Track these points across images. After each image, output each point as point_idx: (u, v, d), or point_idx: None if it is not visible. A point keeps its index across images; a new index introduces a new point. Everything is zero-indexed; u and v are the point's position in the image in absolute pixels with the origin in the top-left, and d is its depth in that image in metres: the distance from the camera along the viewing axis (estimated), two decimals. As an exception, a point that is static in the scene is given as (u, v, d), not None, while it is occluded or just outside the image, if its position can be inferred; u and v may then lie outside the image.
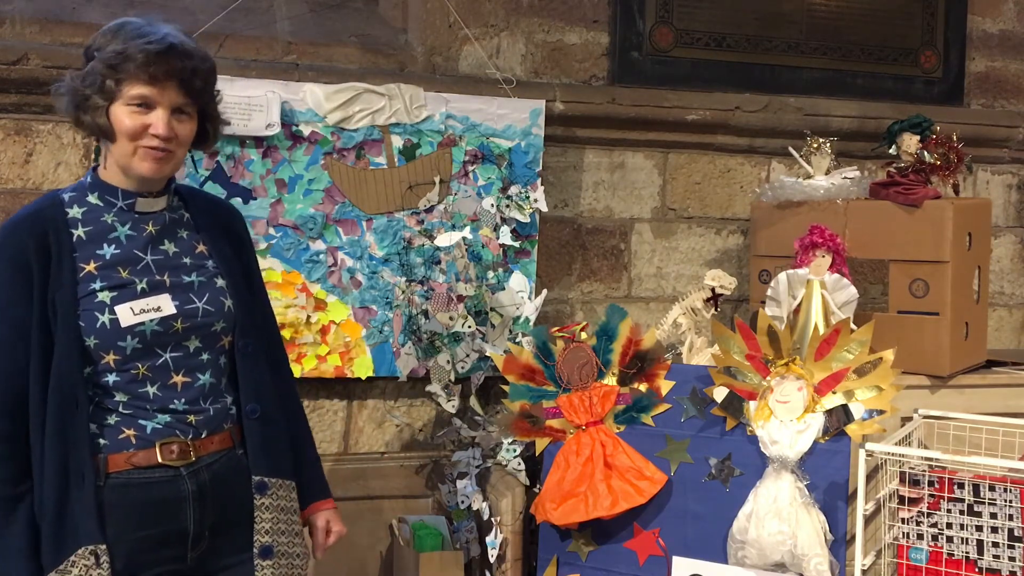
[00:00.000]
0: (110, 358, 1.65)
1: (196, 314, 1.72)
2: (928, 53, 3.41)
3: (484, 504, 2.65)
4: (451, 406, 2.76)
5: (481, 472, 2.71)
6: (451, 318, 2.74)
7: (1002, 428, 2.41)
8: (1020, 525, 2.04)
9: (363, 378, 2.81)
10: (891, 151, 2.76)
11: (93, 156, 2.70)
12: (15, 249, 1.64)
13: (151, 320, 1.67)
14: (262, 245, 2.69)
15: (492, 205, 2.85)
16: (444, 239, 2.79)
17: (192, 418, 1.71)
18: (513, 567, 2.59)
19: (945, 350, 2.60)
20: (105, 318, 1.64)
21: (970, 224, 2.69)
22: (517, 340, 2.73)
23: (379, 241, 2.80)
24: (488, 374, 2.79)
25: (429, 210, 2.83)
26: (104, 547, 1.62)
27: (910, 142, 2.73)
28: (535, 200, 2.89)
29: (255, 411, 1.79)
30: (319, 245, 2.75)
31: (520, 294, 2.86)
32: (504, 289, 2.84)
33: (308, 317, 2.74)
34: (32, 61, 2.56)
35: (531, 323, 2.82)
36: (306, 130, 2.71)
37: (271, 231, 2.70)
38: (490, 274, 2.85)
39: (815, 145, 2.80)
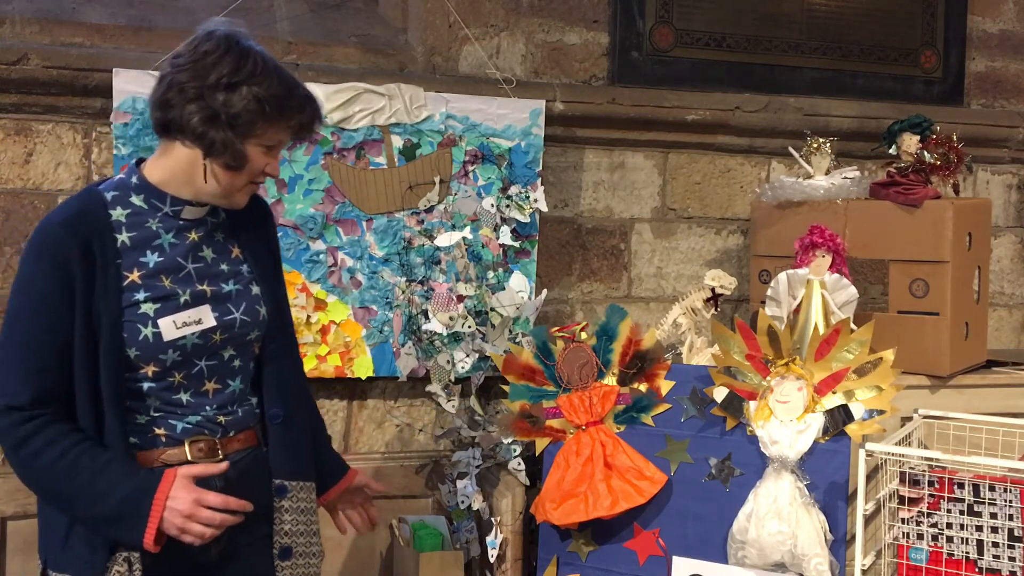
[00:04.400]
0: (149, 369, 1.65)
1: (234, 325, 1.72)
2: (928, 53, 3.41)
3: (484, 504, 2.65)
4: (451, 406, 2.76)
5: (481, 472, 2.71)
6: (451, 318, 2.74)
7: (1002, 428, 2.41)
8: (1020, 525, 2.04)
9: (363, 378, 2.81)
10: (891, 151, 2.76)
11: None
12: (57, 252, 1.60)
13: (192, 333, 1.67)
14: (262, 245, 2.70)
15: (492, 205, 2.85)
16: (444, 239, 2.79)
17: (222, 419, 1.72)
18: (513, 567, 2.59)
19: (945, 350, 2.60)
20: (148, 331, 1.63)
21: (970, 224, 2.69)
22: (517, 340, 2.73)
23: (379, 241, 2.80)
24: (488, 374, 2.79)
25: (429, 210, 2.83)
26: (137, 555, 1.62)
27: (910, 142, 2.73)
28: (535, 200, 2.89)
29: (278, 416, 1.79)
30: (319, 245, 2.75)
31: (520, 294, 2.86)
32: (504, 289, 2.84)
33: (308, 317, 2.74)
34: (32, 61, 2.56)
35: (531, 323, 2.82)
36: (306, 130, 2.71)
37: (271, 231, 2.70)
38: (490, 274, 2.85)
39: (815, 145, 2.80)
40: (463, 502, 2.68)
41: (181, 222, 1.70)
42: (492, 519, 2.64)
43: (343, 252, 2.77)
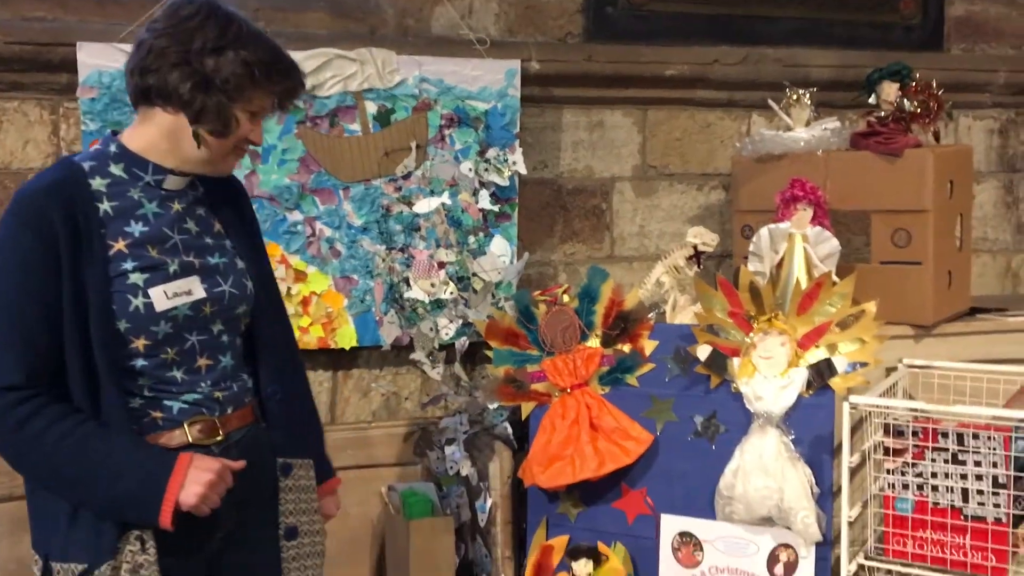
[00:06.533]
0: (140, 343, 1.58)
1: (223, 298, 1.68)
2: (907, -2, 3.37)
3: (473, 469, 2.66)
4: (436, 373, 2.75)
5: (469, 438, 2.71)
6: (433, 285, 2.72)
7: (986, 375, 2.42)
8: (1004, 472, 2.06)
9: (347, 348, 2.80)
10: (871, 100, 2.74)
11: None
12: (40, 220, 1.52)
13: (183, 304, 1.62)
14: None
15: (470, 169, 2.82)
16: (423, 205, 2.76)
17: (219, 395, 1.68)
18: (503, 530, 2.60)
19: (928, 299, 2.60)
20: (139, 301, 1.57)
21: (951, 172, 2.67)
22: (500, 305, 2.72)
23: (357, 210, 2.77)
24: (472, 340, 2.78)
25: (406, 176, 2.80)
26: (150, 532, 1.57)
27: (890, 90, 2.71)
28: (514, 162, 2.86)
29: (276, 393, 1.76)
30: (296, 216, 2.72)
31: (502, 258, 2.84)
32: (485, 254, 2.82)
33: (288, 289, 2.71)
34: (-7, 37, 2.51)
35: (514, 287, 2.81)
36: (278, 99, 2.66)
37: (247, 203, 2.67)
38: (471, 239, 2.83)
39: (794, 97, 2.77)
40: (452, 468, 2.68)
41: (163, 192, 1.65)
42: (481, 484, 2.64)
43: (321, 222, 2.74)
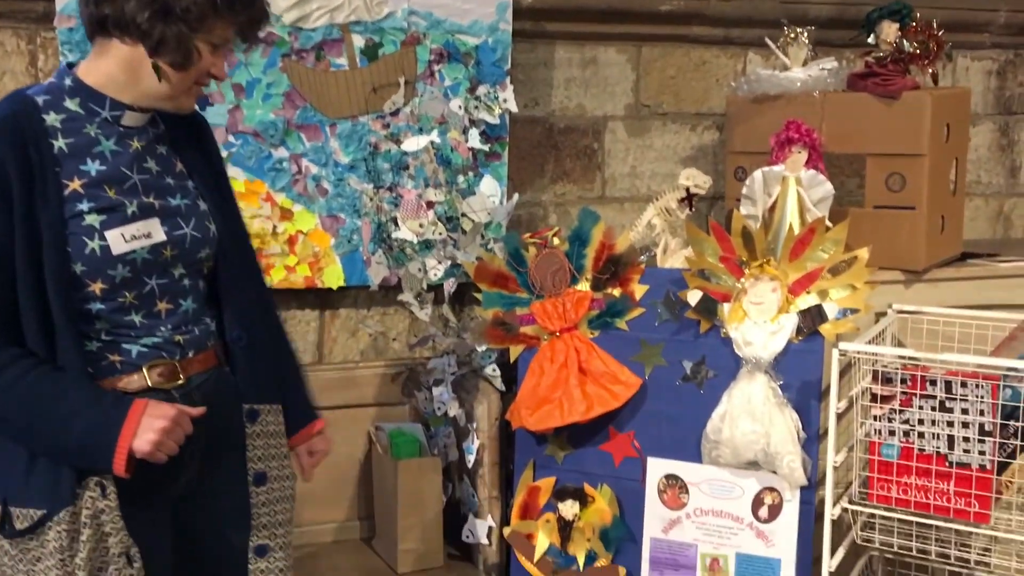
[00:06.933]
0: (96, 286, 1.53)
1: (184, 241, 1.62)
2: (909, -68, 3.27)
3: (460, 411, 2.66)
4: (424, 314, 2.73)
5: (457, 379, 2.70)
6: (421, 225, 2.69)
7: (975, 321, 2.42)
8: (991, 420, 2.06)
9: (334, 288, 2.77)
10: (870, 40, 2.68)
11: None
12: None
13: (142, 248, 1.56)
14: (223, 154, 2.59)
15: (460, 106, 2.76)
16: (411, 143, 2.71)
17: (179, 338, 1.63)
18: (491, 471, 2.61)
19: (921, 244, 2.59)
20: (95, 244, 1.51)
21: (948, 115, 2.63)
22: (489, 247, 2.69)
23: (344, 147, 2.71)
24: (461, 280, 2.75)
25: (395, 113, 2.73)
26: (110, 477, 1.54)
27: (889, 30, 2.65)
28: (504, 100, 2.80)
29: (241, 338, 1.71)
30: (282, 152, 2.66)
31: (491, 198, 2.80)
32: (475, 194, 2.78)
33: (274, 227, 2.67)
34: (-36, -37, 2.41)
35: (503, 228, 2.77)
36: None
37: (231, 139, 2.61)
38: (460, 178, 2.78)
39: (792, 35, 2.71)
40: (439, 409, 2.68)
41: (121, 129, 1.58)
42: (469, 425, 2.64)
43: (307, 159, 2.68)
